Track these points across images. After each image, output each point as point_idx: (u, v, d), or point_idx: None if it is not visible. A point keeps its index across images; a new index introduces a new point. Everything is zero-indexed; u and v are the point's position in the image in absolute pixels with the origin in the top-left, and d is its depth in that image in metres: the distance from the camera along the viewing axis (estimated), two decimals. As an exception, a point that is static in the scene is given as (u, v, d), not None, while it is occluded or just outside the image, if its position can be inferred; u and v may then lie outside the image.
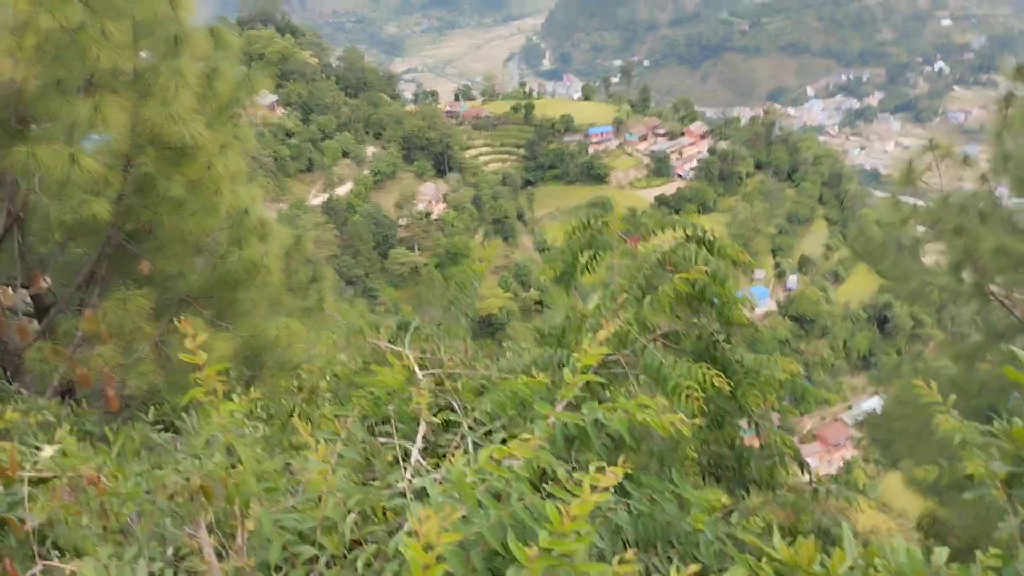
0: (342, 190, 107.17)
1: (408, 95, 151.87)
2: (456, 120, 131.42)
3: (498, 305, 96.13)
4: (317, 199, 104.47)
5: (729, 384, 3.27)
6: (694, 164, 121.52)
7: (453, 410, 3.39)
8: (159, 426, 5.17)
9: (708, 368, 3.25)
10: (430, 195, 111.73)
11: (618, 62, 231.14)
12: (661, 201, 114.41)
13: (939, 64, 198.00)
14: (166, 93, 7.51)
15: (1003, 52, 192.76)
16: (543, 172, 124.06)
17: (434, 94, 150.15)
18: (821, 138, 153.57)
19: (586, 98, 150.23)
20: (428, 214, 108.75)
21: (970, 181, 14.05)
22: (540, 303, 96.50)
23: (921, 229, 14.46)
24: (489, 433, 3.12)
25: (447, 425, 3.42)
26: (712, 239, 3.86)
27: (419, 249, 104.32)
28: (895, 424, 13.21)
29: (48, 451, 2.78)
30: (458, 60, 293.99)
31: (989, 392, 12.79)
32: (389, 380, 3.00)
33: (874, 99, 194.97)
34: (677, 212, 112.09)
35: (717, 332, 3.72)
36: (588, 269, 4.41)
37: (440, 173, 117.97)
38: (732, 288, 3.68)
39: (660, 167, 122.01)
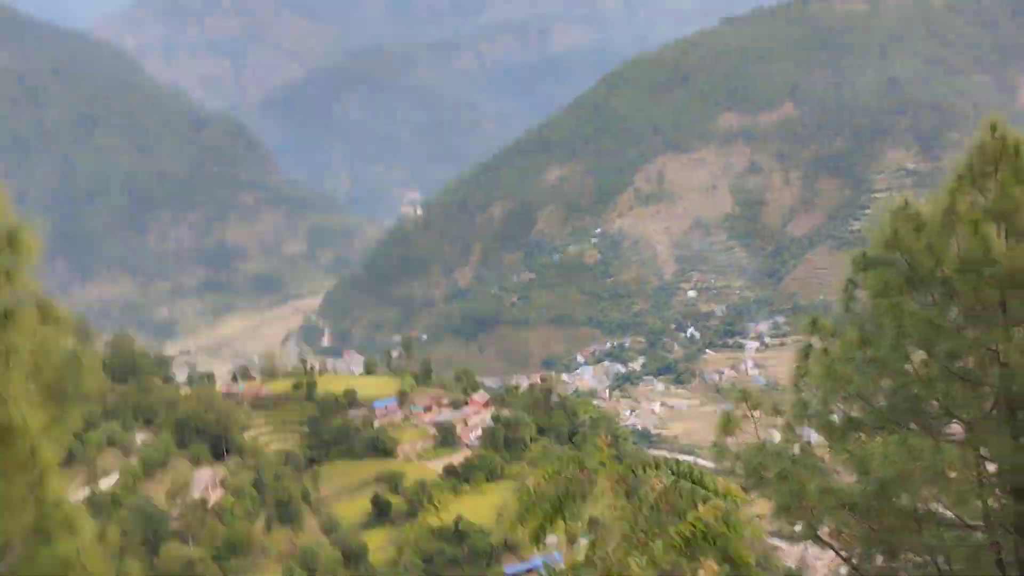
0: (107, 483, 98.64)
1: (182, 378, 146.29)
2: (234, 401, 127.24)
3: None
4: (78, 494, 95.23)
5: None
6: (479, 432, 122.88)
7: None
8: None
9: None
10: (206, 481, 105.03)
11: (397, 337, 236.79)
12: (450, 471, 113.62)
13: (690, 330, 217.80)
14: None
15: (742, 318, 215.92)
16: (328, 449, 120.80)
17: (210, 376, 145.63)
18: (595, 402, 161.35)
19: (369, 372, 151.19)
20: (204, 502, 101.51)
21: (772, 430, 15.01)
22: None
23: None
24: None
25: None
26: (702, 476, 3.77)
27: (194, 542, 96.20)
28: None
29: None
30: (235, 341, 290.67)
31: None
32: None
33: (637, 364, 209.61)
34: (467, 481, 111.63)
35: (729, 572, 3.54)
36: (559, 518, 4.13)
37: (218, 457, 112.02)
38: (739, 527, 3.55)
39: (446, 437, 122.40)
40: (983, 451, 12.26)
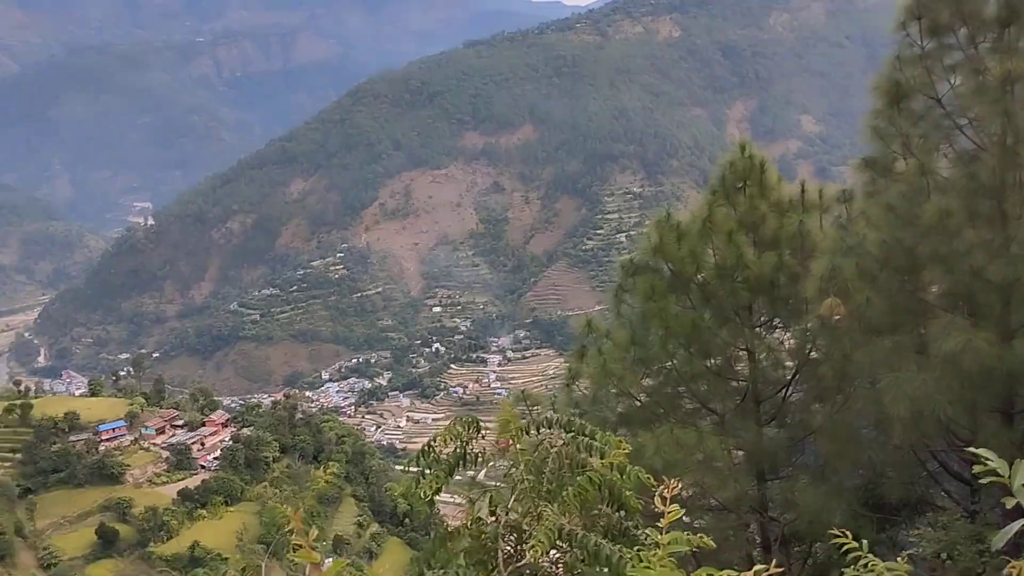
0: None
1: None
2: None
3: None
4: None
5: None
6: (218, 453, 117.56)
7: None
8: None
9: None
10: None
11: (125, 355, 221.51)
12: (185, 496, 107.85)
13: (436, 345, 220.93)
14: None
15: (485, 333, 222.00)
16: (46, 477, 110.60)
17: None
18: (341, 419, 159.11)
19: (93, 394, 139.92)
20: None
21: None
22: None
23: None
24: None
25: None
26: (594, 432, 4.01)
27: None
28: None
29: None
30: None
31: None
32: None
33: (383, 379, 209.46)
34: (203, 506, 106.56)
35: (623, 519, 3.80)
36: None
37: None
38: (630, 477, 3.82)
39: (181, 460, 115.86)
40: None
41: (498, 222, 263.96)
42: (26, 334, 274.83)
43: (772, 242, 12.95)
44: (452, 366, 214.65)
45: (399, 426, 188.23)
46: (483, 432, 4.47)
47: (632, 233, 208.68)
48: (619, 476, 3.84)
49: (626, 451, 3.87)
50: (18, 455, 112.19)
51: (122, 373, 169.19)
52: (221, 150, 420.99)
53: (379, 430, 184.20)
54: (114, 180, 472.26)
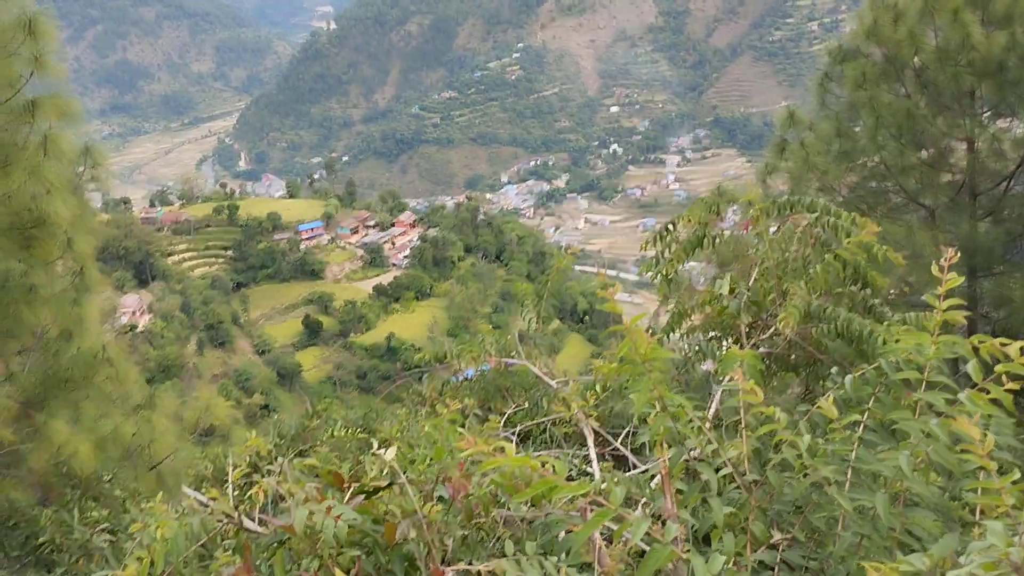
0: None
1: (96, 204, 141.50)
2: (154, 226, 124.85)
3: (222, 415, 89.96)
4: None
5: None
6: (407, 252, 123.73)
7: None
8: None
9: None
10: (133, 307, 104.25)
11: (317, 159, 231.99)
12: (380, 291, 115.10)
13: (613, 147, 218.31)
14: (33, 163, 6.54)
15: (664, 133, 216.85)
16: (255, 273, 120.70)
17: (126, 201, 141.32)
18: (521, 220, 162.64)
19: (291, 195, 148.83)
20: (133, 327, 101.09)
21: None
22: (267, 407, 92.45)
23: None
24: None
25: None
26: (839, 212, 4.04)
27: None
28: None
29: (390, 453, 2.46)
30: (146, 166, 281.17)
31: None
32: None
33: (561, 182, 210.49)
34: (396, 300, 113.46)
35: (868, 296, 3.89)
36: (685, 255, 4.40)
37: (142, 283, 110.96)
38: (877, 256, 3.86)
39: (375, 258, 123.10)
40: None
41: (679, 14, 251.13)
42: (227, 139, 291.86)
43: (1005, 19, 11.75)
44: (630, 167, 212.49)
45: (577, 228, 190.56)
46: (722, 216, 4.53)
47: (826, 20, 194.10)
48: (866, 255, 3.85)
49: (876, 230, 3.86)
50: (229, 252, 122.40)
51: (316, 176, 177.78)
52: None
53: (558, 231, 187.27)
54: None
